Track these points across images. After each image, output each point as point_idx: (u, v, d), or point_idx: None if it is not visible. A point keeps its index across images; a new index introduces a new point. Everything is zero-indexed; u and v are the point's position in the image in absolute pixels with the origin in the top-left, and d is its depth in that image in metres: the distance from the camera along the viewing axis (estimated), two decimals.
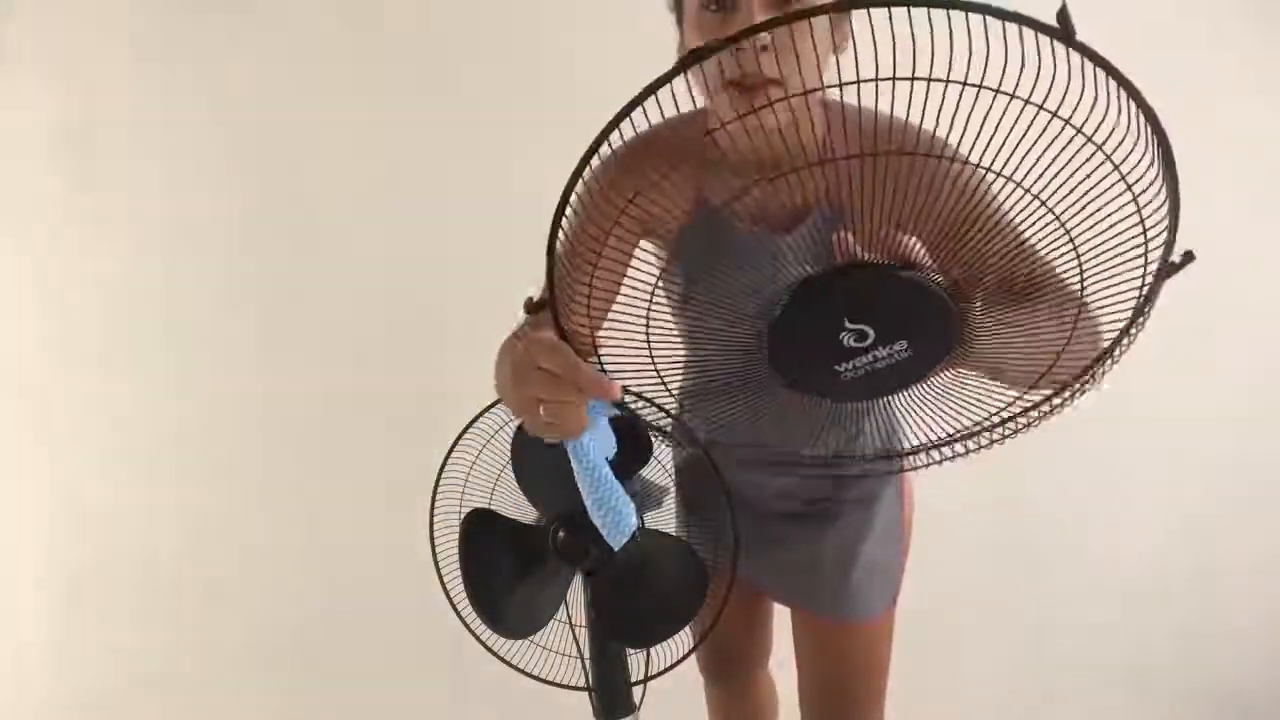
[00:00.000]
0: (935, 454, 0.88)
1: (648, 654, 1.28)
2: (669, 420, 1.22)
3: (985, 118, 0.65)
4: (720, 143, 0.90)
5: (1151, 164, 0.67)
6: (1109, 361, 0.81)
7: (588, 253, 0.85)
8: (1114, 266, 0.74)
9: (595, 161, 0.78)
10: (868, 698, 1.36)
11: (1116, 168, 0.67)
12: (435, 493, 1.28)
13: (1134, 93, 0.64)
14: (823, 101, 0.93)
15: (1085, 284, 0.76)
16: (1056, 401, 0.84)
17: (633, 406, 0.96)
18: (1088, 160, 0.67)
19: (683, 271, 1.03)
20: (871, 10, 0.62)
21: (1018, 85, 0.62)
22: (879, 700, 1.38)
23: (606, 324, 0.86)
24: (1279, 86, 1.95)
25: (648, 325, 0.82)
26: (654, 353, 0.86)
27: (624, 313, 0.84)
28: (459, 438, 1.27)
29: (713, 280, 0.88)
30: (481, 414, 1.24)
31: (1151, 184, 0.68)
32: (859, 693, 1.35)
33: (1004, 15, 0.61)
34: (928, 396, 0.86)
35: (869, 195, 0.78)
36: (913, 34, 0.59)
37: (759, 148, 0.86)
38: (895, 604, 1.34)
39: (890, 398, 0.85)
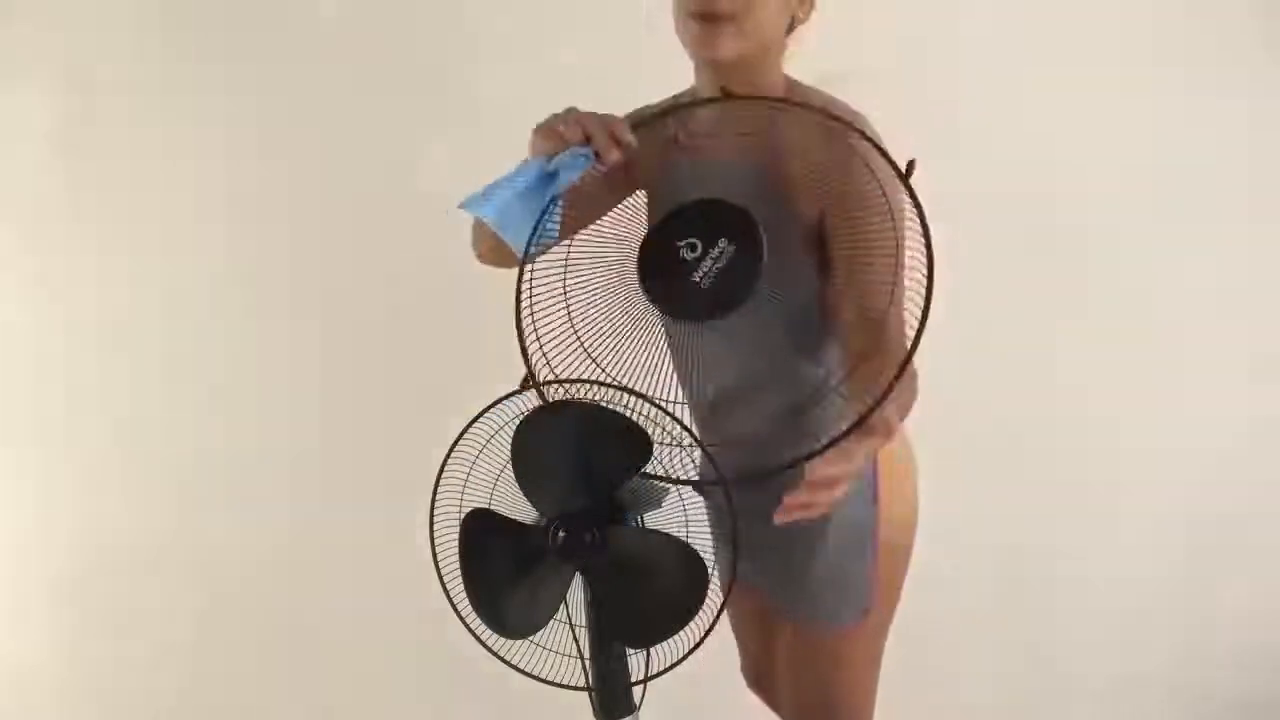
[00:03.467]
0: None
1: (647, 654, 1.28)
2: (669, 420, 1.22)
3: None
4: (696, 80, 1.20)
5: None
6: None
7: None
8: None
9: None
10: (835, 709, 1.34)
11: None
12: (435, 493, 1.27)
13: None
14: (788, 81, 1.20)
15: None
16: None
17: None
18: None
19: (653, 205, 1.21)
20: None
21: None
22: (852, 711, 1.35)
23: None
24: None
25: None
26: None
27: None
28: (459, 438, 1.26)
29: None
30: (482, 414, 1.24)
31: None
32: (824, 702, 1.34)
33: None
34: None
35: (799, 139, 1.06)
36: None
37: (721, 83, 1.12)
38: (865, 618, 1.31)
39: None
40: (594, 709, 1.29)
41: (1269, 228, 1.97)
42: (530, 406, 1.22)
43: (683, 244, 0.96)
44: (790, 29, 1.18)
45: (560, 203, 1.05)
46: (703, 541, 1.27)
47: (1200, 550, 2.03)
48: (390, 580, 1.92)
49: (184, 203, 1.95)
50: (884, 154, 0.96)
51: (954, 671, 2.00)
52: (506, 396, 1.23)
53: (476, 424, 1.25)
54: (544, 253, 1.08)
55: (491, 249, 1.28)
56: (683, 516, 1.30)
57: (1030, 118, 1.89)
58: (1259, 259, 1.97)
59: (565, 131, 1.03)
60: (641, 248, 0.99)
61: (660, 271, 0.97)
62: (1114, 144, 1.91)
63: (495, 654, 1.30)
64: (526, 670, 1.30)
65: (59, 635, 2.05)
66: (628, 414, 1.19)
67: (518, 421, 1.22)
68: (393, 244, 1.93)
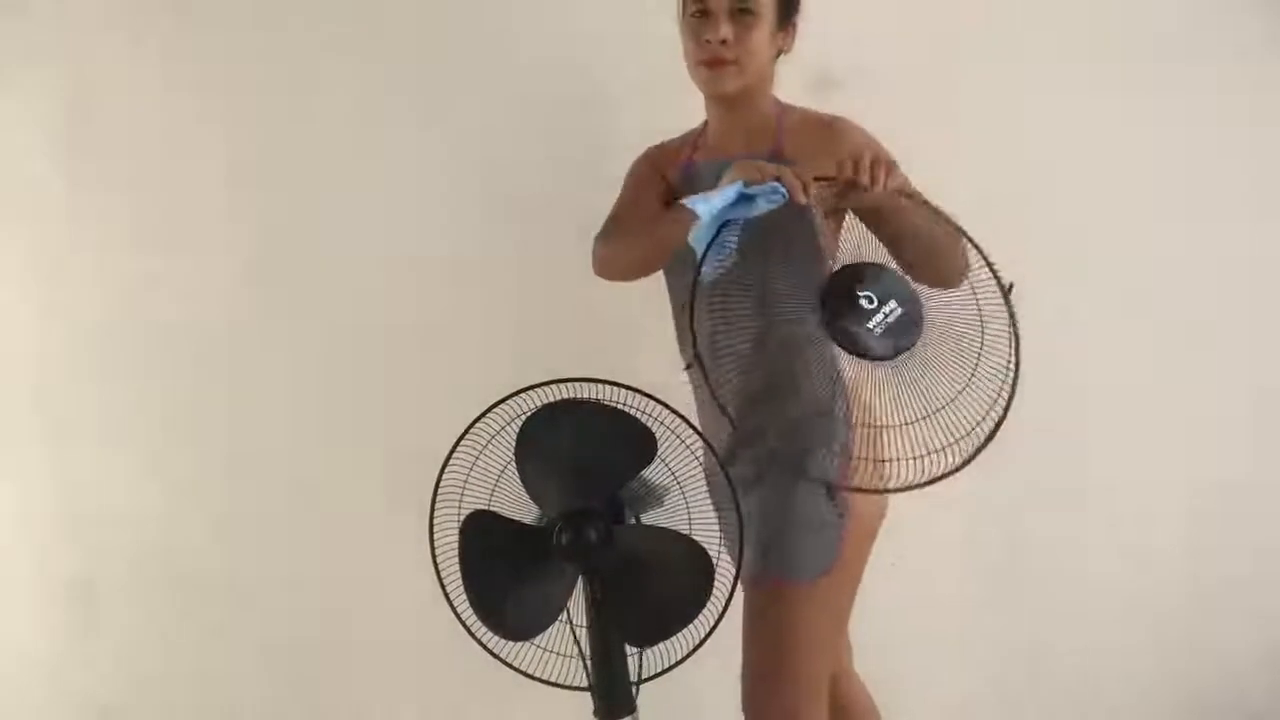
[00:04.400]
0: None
1: (641, 654, 1.28)
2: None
3: None
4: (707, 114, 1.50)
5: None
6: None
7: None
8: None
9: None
10: (785, 666, 1.34)
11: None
12: (435, 493, 1.28)
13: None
14: (776, 100, 1.45)
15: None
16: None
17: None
18: None
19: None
20: None
21: None
22: (804, 670, 1.34)
23: None
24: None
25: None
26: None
27: None
28: (460, 439, 1.27)
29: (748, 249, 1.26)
30: (482, 415, 1.25)
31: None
32: (775, 663, 1.34)
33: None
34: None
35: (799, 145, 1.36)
36: None
37: (727, 119, 1.44)
38: (825, 578, 1.32)
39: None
40: (594, 709, 1.29)
41: (1269, 224, 1.97)
42: (534, 406, 1.22)
43: (862, 294, 1.20)
44: (775, 58, 1.42)
45: (737, 227, 1.25)
46: (706, 539, 1.27)
47: (1200, 545, 2.03)
48: (390, 580, 1.92)
49: (184, 202, 1.94)
50: (991, 267, 1.23)
51: (949, 660, 2.00)
52: (506, 398, 1.24)
53: (477, 425, 1.25)
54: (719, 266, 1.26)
55: (632, 264, 1.47)
56: (686, 515, 1.31)
57: (1029, 118, 1.89)
58: (1258, 242, 1.97)
59: (765, 170, 1.22)
60: (828, 286, 1.21)
61: (840, 310, 1.19)
62: (1115, 143, 1.90)
63: (495, 654, 1.30)
64: (527, 670, 1.31)
65: (62, 636, 2.05)
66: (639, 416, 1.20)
67: (520, 422, 1.22)
68: (395, 243, 1.93)
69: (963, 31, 1.88)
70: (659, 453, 1.22)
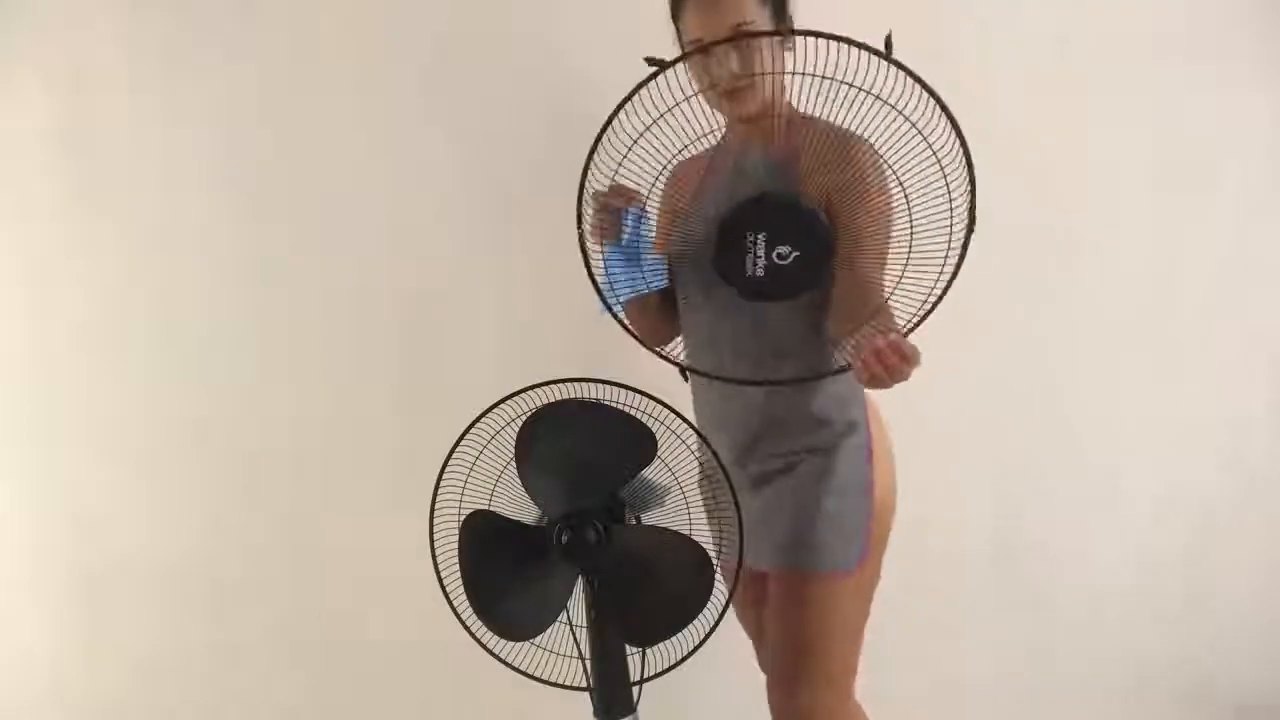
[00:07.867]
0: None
1: (643, 654, 1.28)
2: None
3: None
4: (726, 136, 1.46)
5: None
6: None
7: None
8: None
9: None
10: (826, 654, 1.36)
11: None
12: (435, 493, 1.28)
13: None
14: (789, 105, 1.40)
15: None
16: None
17: None
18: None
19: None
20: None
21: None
22: (840, 664, 1.38)
23: None
24: None
25: None
26: None
27: None
28: (460, 439, 1.27)
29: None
30: (482, 415, 1.24)
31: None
32: (817, 647, 1.36)
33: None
34: None
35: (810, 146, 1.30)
36: None
37: (745, 128, 1.41)
38: (863, 566, 1.36)
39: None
40: (594, 709, 1.29)
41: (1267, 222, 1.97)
42: (533, 406, 1.22)
43: (750, 235, 1.17)
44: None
45: (648, 253, 1.34)
46: (706, 539, 1.27)
47: (1201, 539, 2.03)
48: (390, 580, 1.92)
49: (184, 203, 1.94)
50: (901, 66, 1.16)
51: (952, 660, 2.00)
52: (507, 398, 1.23)
53: (477, 425, 1.25)
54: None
55: (642, 329, 1.48)
56: (686, 515, 1.30)
57: (1029, 118, 1.89)
58: (1258, 239, 1.97)
59: (605, 219, 1.28)
60: (721, 223, 1.18)
61: (728, 248, 1.18)
62: (1114, 144, 1.90)
63: (495, 655, 1.30)
64: (527, 670, 1.31)
65: (63, 635, 2.05)
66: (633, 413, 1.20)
67: (520, 422, 1.22)
68: (395, 243, 1.92)
69: (961, 33, 1.88)
70: (659, 453, 1.21)
